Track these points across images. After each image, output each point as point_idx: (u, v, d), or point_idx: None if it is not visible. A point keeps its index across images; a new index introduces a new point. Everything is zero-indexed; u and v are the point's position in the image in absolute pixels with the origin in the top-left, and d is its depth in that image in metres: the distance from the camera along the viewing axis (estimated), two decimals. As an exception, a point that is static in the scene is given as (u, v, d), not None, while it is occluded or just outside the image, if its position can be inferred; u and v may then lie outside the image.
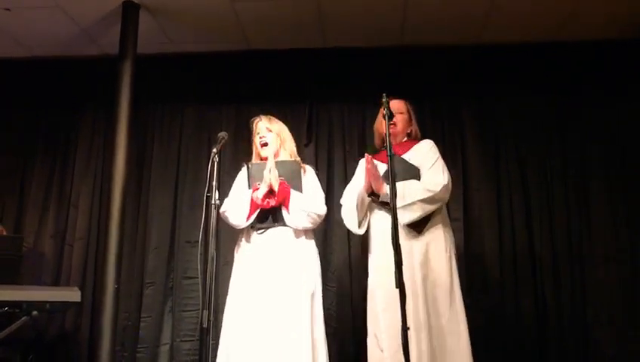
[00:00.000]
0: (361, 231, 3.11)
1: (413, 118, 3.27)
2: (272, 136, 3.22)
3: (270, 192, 3.04)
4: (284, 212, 3.05)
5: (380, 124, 3.15)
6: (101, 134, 4.37)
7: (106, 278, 3.41)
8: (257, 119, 3.29)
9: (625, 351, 3.68)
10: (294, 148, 3.31)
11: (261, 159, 3.22)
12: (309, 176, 3.23)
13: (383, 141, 3.15)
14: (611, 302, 3.78)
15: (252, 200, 3.06)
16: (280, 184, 3.04)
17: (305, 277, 3.01)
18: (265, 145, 3.20)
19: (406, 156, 3.08)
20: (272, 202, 3.03)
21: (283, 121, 3.36)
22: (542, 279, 3.87)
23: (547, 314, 3.81)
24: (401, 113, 3.21)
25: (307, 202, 3.07)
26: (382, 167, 3.04)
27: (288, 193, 3.05)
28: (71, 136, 4.43)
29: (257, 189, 3.06)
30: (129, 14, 3.77)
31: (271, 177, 3.02)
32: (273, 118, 3.30)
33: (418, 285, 2.83)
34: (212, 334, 2.74)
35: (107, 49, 4.19)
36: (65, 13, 3.88)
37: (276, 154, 3.20)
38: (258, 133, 3.24)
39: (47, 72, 4.47)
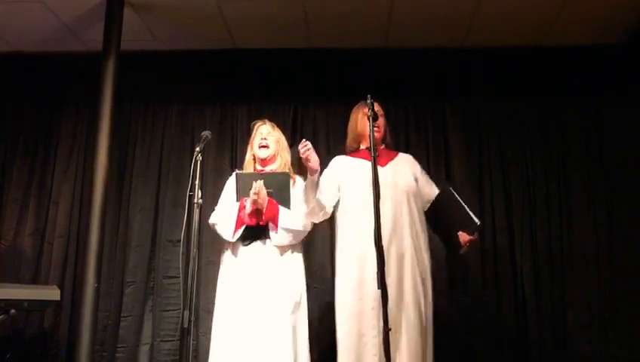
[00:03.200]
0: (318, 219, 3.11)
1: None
2: (272, 140, 3.23)
3: (258, 210, 3.00)
4: (271, 231, 3.02)
5: (356, 125, 3.15)
6: (83, 131, 4.32)
7: (86, 277, 3.37)
8: (260, 122, 3.30)
9: (604, 352, 3.73)
10: (289, 159, 3.29)
11: (255, 161, 3.23)
12: (298, 188, 3.19)
13: (359, 142, 3.17)
14: (591, 303, 3.83)
15: (238, 217, 3.04)
16: (268, 202, 3.00)
17: (289, 289, 3.00)
18: (265, 146, 3.20)
19: (393, 165, 3.09)
20: (259, 220, 3.01)
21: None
22: (522, 280, 3.90)
23: (527, 315, 3.84)
24: (382, 116, 3.14)
25: (295, 220, 3.04)
26: (360, 164, 3.05)
27: (277, 213, 3.01)
28: (52, 133, 4.37)
29: (244, 207, 3.02)
30: (113, 10, 3.73)
31: (259, 199, 2.96)
32: (275, 126, 3.33)
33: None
34: (193, 334, 2.72)
35: (90, 45, 4.14)
36: (47, 8, 3.83)
37: (272, 159, 3.22)
38: (259, 135, 3.24)
39: (28, 67, 4.40)
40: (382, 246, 2.33)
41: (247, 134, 4.12)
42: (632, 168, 3.97)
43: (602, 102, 4.14)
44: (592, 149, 4.10)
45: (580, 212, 4.00)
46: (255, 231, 3.03)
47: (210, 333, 3.79)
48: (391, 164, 3.11)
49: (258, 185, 2.96)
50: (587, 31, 4.03)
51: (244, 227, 3.03)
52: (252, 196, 2.95)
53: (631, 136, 4.00)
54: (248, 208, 3.00)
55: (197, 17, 3.93)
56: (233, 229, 3.04)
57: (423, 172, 3.22)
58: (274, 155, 3.22)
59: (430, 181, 3.21)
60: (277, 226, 3.00)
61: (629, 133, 4.01)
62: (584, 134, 4.13)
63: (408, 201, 3.01)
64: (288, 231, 3.01)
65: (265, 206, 2.98)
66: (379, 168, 2.98)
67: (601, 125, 4.12)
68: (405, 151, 4.07)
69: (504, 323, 3.83)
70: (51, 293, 3.60)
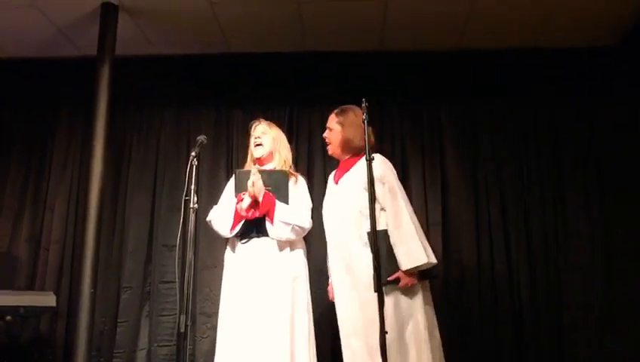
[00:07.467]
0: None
1: (347, 126, 2.98)
2: (268, 138, 3.21)
3: (255, 203, 3.01)
4: (267, 223, 3.02)
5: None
6: (78, 136, 4.32)
7: (83, 282, 3.36)
8: (257, 122, 3.29)
9: (600, 354, 3.73)
10: (289, 157, 3.27)
11: (254, 162, 3.22)
12: (300, 187, 3.19)
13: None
14: (587, 304, 3.83)
15: (236, 211, 3.05)
16: (265, 195, 3.01)
17: (287, 286, 2.99)
18: (259, 145, 3.19)
19: (346, 179, 2.99)
20: (257, 213, 3.01)
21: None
22: (518, 280, 3.91)
23: (523, 318, 3.84)
24: (330, 130, 3.08)
25: (291, 214, 3.03)
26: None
27: (273, 205, 3.01)
28: (47, 138, 4.37)
29: (242, 200, 3.04)
30: (108, 16, 3.73)
31: (254, 189, 2.99)
32: (273, 125, 3.30)
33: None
34: (189, 339, 2.71)
35: (85, 50, 4.13)
36: (42, 13, 3.83)
37: (269, 158, 3.21)
38: (254, 135, 3.23)
39: (23, 73, 4.39)
40: (378, 248, 2.34)
41: (243, 138, 4.16)
42: (626, 168, 3.97)
43: (596, 103, 4.15)
44: (586, 150, 4.11)
45: (575, 212, 4.01)
46: (253, 227, 3.04)
47: (206, 338, 3.83)
48: (342, 180, 3.01)
49: (254, 176, 2.99)
50: (581, 32, 4.04)
51: (242, 222, 3.04)
52: (248, 187, 2.98)
53: (624, 136, 4.01)
54: (246, 200, 3.01)
55: (192, 22, 3.93)
56: (231, 224, 3.06)
57: (389, 178, 2.89)
58: (270, 153, 3.21)
59: (393, 194, 2.86)
60: (273, 219, 3.00)
61: (623, 133, 4.02)
62: (578, 135, 4.14)
63: (354, 221, 2.86)
64: (285, 224, 3.00)
65: (261, 197, 2.99)
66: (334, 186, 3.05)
67: (594, 126, 4.13)
68: (402, 153, 4.13)
69: (500, 324, 3.83)
70: (47, 299, 3.60)
